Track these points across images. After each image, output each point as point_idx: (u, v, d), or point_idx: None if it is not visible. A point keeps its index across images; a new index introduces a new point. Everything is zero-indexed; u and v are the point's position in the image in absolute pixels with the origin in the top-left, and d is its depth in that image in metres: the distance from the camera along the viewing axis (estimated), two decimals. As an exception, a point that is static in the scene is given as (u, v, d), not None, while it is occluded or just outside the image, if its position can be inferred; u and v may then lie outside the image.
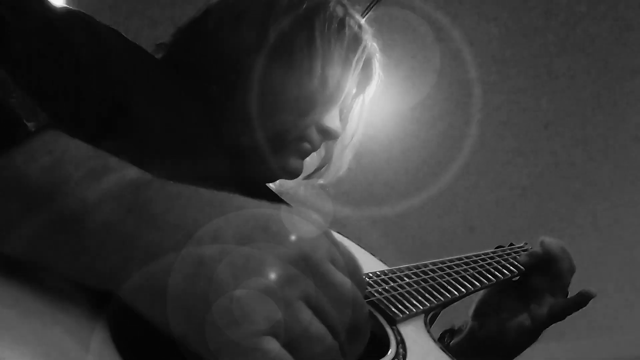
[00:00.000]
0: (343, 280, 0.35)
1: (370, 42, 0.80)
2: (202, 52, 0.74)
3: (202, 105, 0.72)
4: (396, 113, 2.37)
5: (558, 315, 0.83)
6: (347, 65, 0.75)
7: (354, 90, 0.82)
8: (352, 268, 0.37)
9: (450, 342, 0.86)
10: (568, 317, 0.83)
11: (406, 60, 2.30)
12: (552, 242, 0.86)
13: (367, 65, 0.81)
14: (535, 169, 2.67)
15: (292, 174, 0.79)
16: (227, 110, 0.74)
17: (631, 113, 2.54)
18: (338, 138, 0.82)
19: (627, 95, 2.51)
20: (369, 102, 0.87)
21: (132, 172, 0.36)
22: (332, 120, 0.78)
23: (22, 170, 0.33)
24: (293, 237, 0.34)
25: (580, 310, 0.82)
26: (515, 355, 0.84)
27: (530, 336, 0.83)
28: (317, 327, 0.33)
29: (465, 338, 0.86)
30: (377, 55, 0.83)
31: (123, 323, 0.36)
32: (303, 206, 0.43)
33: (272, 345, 0.31)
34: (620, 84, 2.48)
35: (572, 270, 0.86)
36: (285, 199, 0.83)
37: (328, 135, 0.79)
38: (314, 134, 0.77)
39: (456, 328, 0.88)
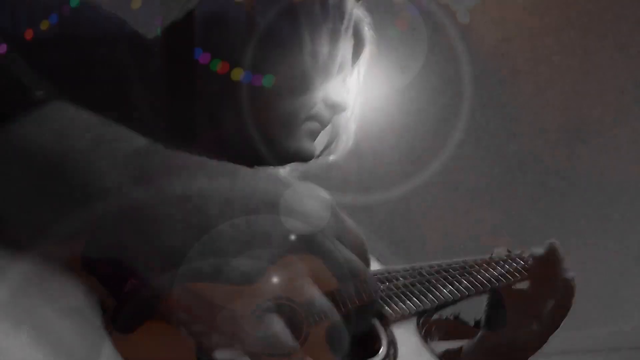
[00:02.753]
0: (347, 256, 0.35)
1: (355, 9, 0.80)
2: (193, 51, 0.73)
3: (201, 102, 0.71)
4: (387, 100, 2.34)
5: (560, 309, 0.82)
6: (335, 35, 0.75)
7: (350, 60, 0.81)
8: (358, 244, 0.37)
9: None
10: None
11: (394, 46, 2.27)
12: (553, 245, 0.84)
13: (356, 31, 0.81)
14: (523, 157, 2.65)
15: (307, 157, 0.78)
16: (229, 106, 0.73)
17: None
18: (346, 110, 0.81)
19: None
20: (364, 69, 0.86)
21: (139, 141, 0.36)
22: (337, 93, 0.78)
23: (31, 138, 0.33)
24: (299, 214, 0.34)
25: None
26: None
27: (539, 339, 0.83)
28: (320, 301, 0.33)
29: (475, 346, 0.86)
30: (365, 20, 0.82)
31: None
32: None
33: (273, 320, 0.32)
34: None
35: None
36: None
37: (337, 108, 0.78)
38: (323, 111, 0.77)
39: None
